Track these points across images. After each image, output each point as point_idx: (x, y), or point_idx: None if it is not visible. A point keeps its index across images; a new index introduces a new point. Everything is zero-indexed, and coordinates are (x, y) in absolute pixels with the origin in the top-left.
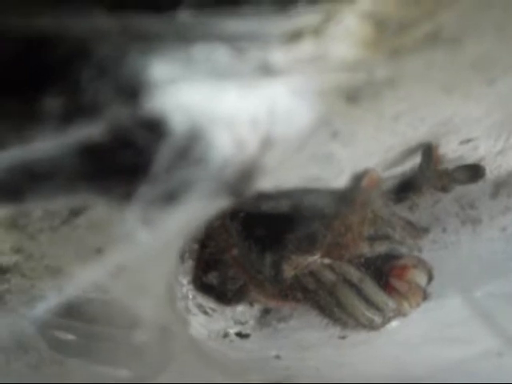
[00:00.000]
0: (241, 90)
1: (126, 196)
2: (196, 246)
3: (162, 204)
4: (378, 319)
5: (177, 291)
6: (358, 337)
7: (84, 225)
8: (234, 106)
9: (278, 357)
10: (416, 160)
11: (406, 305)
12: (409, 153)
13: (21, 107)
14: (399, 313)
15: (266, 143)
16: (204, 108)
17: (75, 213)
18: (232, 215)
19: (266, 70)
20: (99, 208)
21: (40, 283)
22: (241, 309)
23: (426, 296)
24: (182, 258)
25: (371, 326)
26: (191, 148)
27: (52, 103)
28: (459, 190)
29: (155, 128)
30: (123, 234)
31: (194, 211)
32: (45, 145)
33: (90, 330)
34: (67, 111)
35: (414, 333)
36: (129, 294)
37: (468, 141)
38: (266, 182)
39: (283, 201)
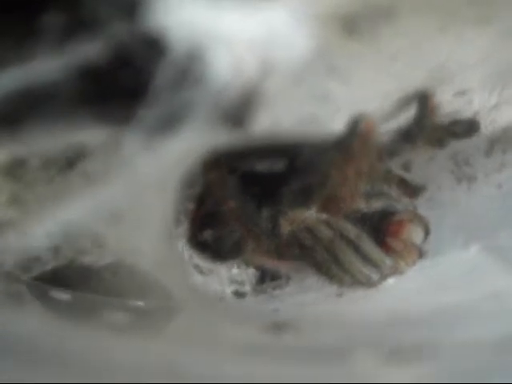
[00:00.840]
0: (241, 10)
1: (127, 119)
2: (192, 205)
3: (162, 129)
4: (375, 276)
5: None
6: (355, 294)
7: (81, 174)
8: (234, 26)
9: (276, 310)
10: (409, 113)
11: (402, 263)
12: (405, 102)
13: (20, 24)
14: (396, 270)
15: (265, 67)
16: (204, 26)
17: (71, 162)
18: (230, 168)
19: None
20: (97, 153)
21: (34, 239)
22: (237, 271)
23: (421, 254)
24: (177, 220)
25: (368, 283)
26: (190, 68)
27: (51, 20)
28: (454, 146)
29: (154, 45)
30: (123, 161)
31: (194, 140)
32: (44, 64)
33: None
34: (66, 28)
35: (411, 287)
36: (124, 238)
37: (462, 93)
38: (265, 116)
39: (280, 159)
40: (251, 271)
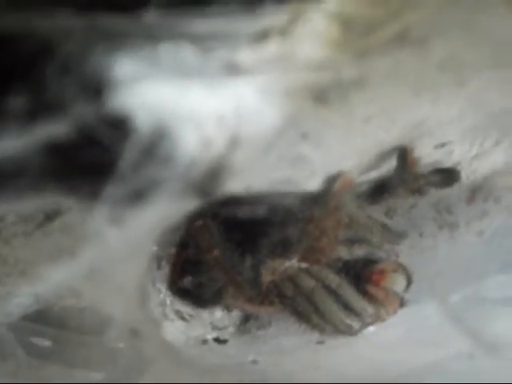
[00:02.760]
0: (207, 88)
1: (94, 195)
2: (173, 250)
3: (130, 203)
4: (356, 325)
5: (154, 297)
6: (336, 341)
7: (58, 229)
8: (200, 105)
9: (254, 361)
10: (392, 163)
11: (383, 311)
12: (384, 156)
13: None
14: (377, 318)
15: (234, 142)
16: (169, 106)
17: (50, 217)
18: (213, 216)
19: (233, 70)
20: (73, 211)
21: (15, 289)
22: (219, 315)
23: (402, 303)
24: (159, 263)
25: (349, 332)
26: (157, 146)
27: (16, 101)
28: (436, 194)
29: (120, 126)
30: (92, 233)
31: (163, 211)
32: (10, 143)
33: (65, 335)
34: (32, 109)
35: (391, 336)
36: (100, 295)
37: (443, 145)
38: (236, 184)
39: (258, 206)
40: (235, 313)
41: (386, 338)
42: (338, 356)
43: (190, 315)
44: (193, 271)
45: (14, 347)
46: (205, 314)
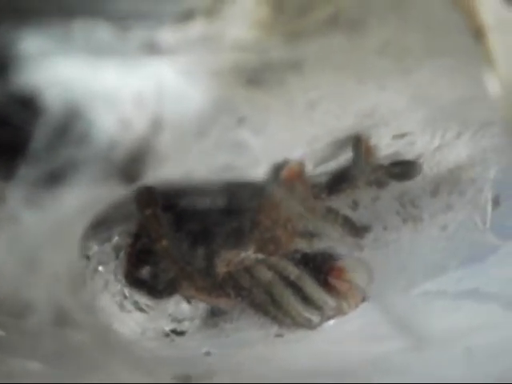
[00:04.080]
0: (124, 68)
1: (7, 176)
2: (129, 241)
3: (47, 185)
4: (315, 318)
5: (112, 287)
6: (295, 335)
7: None
8: (117, 85)
9: (207, 353)
10: (350, 154)
11: (345, 305)
12: (339, 145)
13: None
14: (339, 312)
15: (156, 124)
16: (82, 85)
17: None
18: (165, 205)
19: (153, 49)
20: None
21: None
22: (183, 307)
23: (365, 297)
24: (117, 253)
25: (308, 326)
26: (71, 126)
27: None
28: (400, 187)
29: (29, 104)
30: (7, 215)
31: (87, 194)
32: None
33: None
34: None
35: (348, 330)
36: (23, 280)
37: (402, 135)
38: (170, 170)
39: (210, 196)
40: (202, 305)
41: (343, 333)
42: (293, 349)
43: (149, 306)
44: (146, 261)
45: None
46: (166, 305)
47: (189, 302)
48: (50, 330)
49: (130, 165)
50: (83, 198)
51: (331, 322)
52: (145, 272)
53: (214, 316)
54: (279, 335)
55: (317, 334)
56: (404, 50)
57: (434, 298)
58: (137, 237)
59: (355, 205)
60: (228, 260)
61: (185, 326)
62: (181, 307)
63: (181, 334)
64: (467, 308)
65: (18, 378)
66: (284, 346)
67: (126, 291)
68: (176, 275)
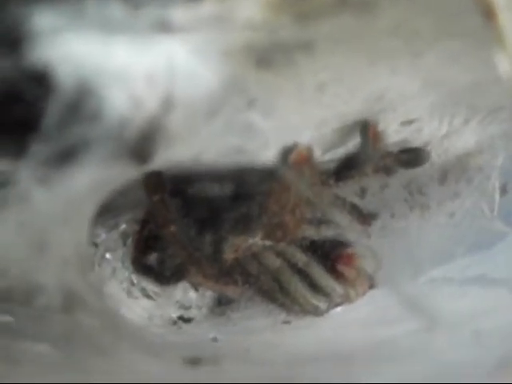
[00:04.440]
0: (136, 46)
1: (19, 154)
2: (136, 227)
3: (59, 163)
4: (323, 305)
5: (120, 274)
6: (302, 322)
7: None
8: (129, 62)
9: (214, 339)
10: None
11: (352, 292)
12: (348, 131)
13: None
14: (346, 299)
15: (167, 103)
16: (94, 62)
17: None
18: (172, 191)
19: (164, 27)
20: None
21: None
22: (191, 295)
23: (373, 284)
24: (125, 240)
25: (316, 312)
26: (83, 103)
27: None
28: (407, 175)
29: (41, 80)
30: (17, 194)
31: (97, 173)
32: None
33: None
34: None
35: (356, 317)
36: (31, 260)
37: (410, 122)
38: (180, 151)
39: (218, 181)
40: (209, 293)
41: (351, 319)
42: (301, 336)
43: (156, 293)
44: (154, 248)
45: None
46: (173, 292)
47: (196, 289)
48: (58, 313)
49: (141, 144)
50: (94, 177)
51: (338, 308)
52: (152, 258)
53: (220, 305)
54: (287, 322)
55: (324, 321)
56: (414, 32)
57: (442, 284)
58: (144, 223)
59: (363, 192)
60: (236, 246)
61: (192, 313)
62: (188, 295)
63: (188, 320)
64: (474, 293)
65: (27, 361)
66: (291, 333)
67: (134, 278)
68: (183, 261)
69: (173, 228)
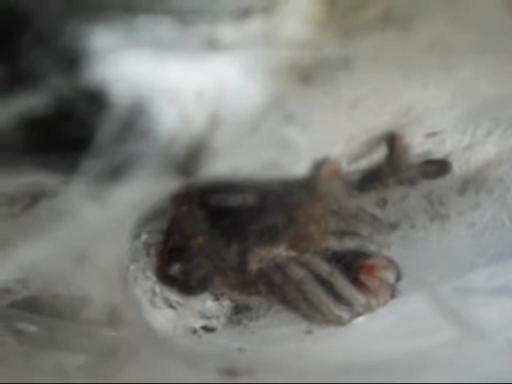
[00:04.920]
0: (186, 63)
1: (71, 170)
2: (160, 238)
3: (109, 179)
4: (345, 315)
5: (140, 281)
6: (325, 331)
7: (44, 211)
8: (179, 80)
9: (240, 349)
10: (383, 152)
11: (374, 302)
12: (374, 143)
13: None
14: (368, 309)
15: (215, 120)
16: (146, 80)
17: (35, 198)
18: (199, 202)
19: (213, 45)
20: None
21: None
22: (210, 304)
23: (394, 294)
24: (148, 250)
25: (339, 322)
26: (135, 121)
27: None
28: (428, 185)
29: (97, 99)
30: (69, 209)
31: (144, 188)
32: None
33: (51, 320)
34: (7, 81)
35: (380, 327)
36: (78, 275)
37: (434, 134)
38: (220, 165)
39: (246, 192)
40: (227, 303)
41: (375, 329)
42: (326, 346)
43: (179, 303)
44: (179, 258)
45: (2, 334)
46: (194, 302)
47: (215, 299)
48: (101, 326)
49: (187, 160)
50: (139, 192)
51: (361, 318)
52: (175, 269)
53: (238, 313)
54: (309, 332)
55: (349, 331)
56: (451, 46)
57: (466, 294)
58: (169, 234)
59: (384, 203)
60: (261, 256)
61: (214, 322)
62: (206, 304)
63: (211, 330)
64: (503, 303)
65: (66, 371)
66: (318, 342)
67: (157, 288)
68: (210, 272)
69: (200, 239)
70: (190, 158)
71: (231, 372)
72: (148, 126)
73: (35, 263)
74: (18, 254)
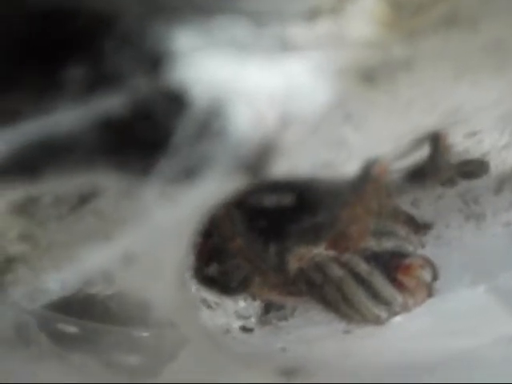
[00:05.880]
0: (261, 64)
1: (146, 171)
2: (198, 239)
3: (182, 179)
4: (384, 314)
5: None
6: (363, 331)
7: (92, 212)
8: (254, 81)
9: (283, 349)
10: (423, 152)
11: (410, 301)
12: (416, 143)
13: (41, 77)
14: (405, 308)
15: (285, 121)
16: (225, 81)
17: (83, 200)
18: (237, 204)
19: (285, 46)
20: (109, 194)
21: (44, 274)
22: (243, 304)
23: (431, 293)
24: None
25: (377, 321)
26: (211, 122)
27: (73, 73)
28: (463, 185)
29: (176, 100)
30: (138, 211)
31: (211, 189)
32: (64, 117)
33: (94, 323)
34: (88, 82)
35: (419, 326)
36: (139, 281)
37: (473, 134)
38: (280, 166)
39: (288, 194)
40: (257, 303)
41: (414, 329)
42: (366, 346)
43: (216, 303)
44: (218, 259)
45: (37, 334)
46: (229, 302)
47: (245, 299)
48: (165, 329)
49: (256, 160)
50: (207, 193)
51: (397, 318)
52: (213, 269)
53: (268, 313)
54: (347, 331)
55: (388, 331)
56: (508, 48)
57: (505, 295)
58: (207, 235)
59: (418, 202)
60: (301, 255)
61: (250, 323)
62: (238, 304)
63: (249, 330)
64: None
65: (117, 370)
66: (356, 342)
67: (193, 288)
68: (250, 273)
69: (239, 241)
70: (258, 158)
71: (290, 372)
72: (223, 127)
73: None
74: (65, 257)
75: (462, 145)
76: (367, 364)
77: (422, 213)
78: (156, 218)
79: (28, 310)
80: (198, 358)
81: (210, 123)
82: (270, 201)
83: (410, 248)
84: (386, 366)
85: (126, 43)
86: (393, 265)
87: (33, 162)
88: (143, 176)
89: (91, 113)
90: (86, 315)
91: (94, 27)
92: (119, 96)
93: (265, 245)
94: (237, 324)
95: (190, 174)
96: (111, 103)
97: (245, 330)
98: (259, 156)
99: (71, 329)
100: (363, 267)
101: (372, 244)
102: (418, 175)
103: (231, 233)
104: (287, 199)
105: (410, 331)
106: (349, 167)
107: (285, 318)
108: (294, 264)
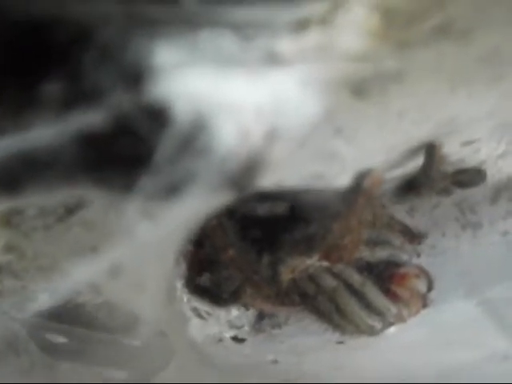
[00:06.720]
0: (247, 78)
1: (127, 187)
2: (190, 248)
3: (164, 196)
4: (377, 325)
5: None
6: (356, 342)
7: (78, 223)
8: (240, 95)
9: (275, 361)
10: (418, 161)
11: (405, 312)
12: (411, 153)
13: (19, 93)
14: (399, 319)
15: (271, 135)
16: (209, 95)
17: (70, 211)
18: (229, 214)
19: (273, 59)
20: (95, 205)
21: (32, 284)
22: (236, 313)
23: (426, 304)
24: (176, 260)
25: (371, 333)
26: (195, 137)
27: (52, 88)
28: (459, 194)
29: (159, 116)
30: (122, 227)
31: (196, 205)
32: (44, 132)
33: (83, 333)
34: (68, 97)
35: (414, 338)
36: (126, 293)
37: (470, 142)
38: (268, 179)
39: (281, 203)
40: (250, 312)
41: (408, 340)
42: (359, 357)
43: (207, 313)
44: (210, 269)
45: (27, 344)
46: (222, 312)
47: (238, 308)
48: (152, 341)
49: (243, 175)
50: (191, 209)
51: (392, 329)
52: (205, 279)
53: (261, 321)
54: (340, 342)
55: (381, 342)
56: (502, 58)
57: (503, 305)
58: (199, 245)
59: (414, 211)
60: (293, 267)
61: (242, 333)
62: (231, 313)
63: (241, 340)
64: None
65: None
66: (350, 353)
67: (185, 298)
68: (242, 284)
69: (231, 251)
70: (244, 173)
71: None
72: (207, 143)
73: (71, 278)
74: (52, 268)
75: (458, 154)
76: (360, 377)
77: (417, 222)
78: (139, 234)
79: (18, 320)
80: (187, 369)
81: (194, 139)
82: (262, 209)
83: (405, 257)
84: (380, 378)
85: (107, 57)
86: (387, 274)
87: (13, 176)
88: (125, 192)
89: (70, 128)
90: (76, 323)
91: (74, 40)
92: (99, 111)
93: (257, 255)
94: (229, 334)
95: (173, 190)
96: (91, 119)
97: (237, 340)
98: (245, 171)
99: (60, 339)
100: (356, 278)
101: (366, 254)
102: (413, 185)
103: (223, 243)
104: (280, 208)
105: (404, 342)
106: (342, 179)
107: (278, 326)
108: (286, 275)
